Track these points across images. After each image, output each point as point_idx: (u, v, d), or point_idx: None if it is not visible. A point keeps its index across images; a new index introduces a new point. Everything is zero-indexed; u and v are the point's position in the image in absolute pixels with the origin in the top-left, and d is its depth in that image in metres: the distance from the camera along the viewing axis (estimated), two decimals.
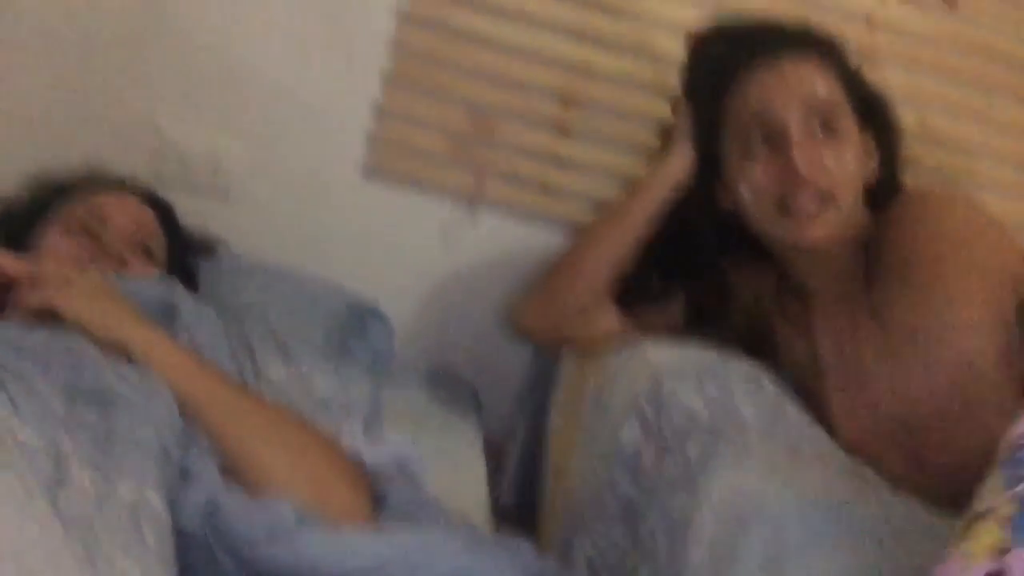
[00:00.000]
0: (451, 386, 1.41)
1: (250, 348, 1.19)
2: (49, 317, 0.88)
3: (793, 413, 1.01)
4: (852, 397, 1.08)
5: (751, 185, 1.11)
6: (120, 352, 0.86)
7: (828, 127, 1.10)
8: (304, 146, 1.40)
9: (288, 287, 1.37)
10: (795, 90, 1.10)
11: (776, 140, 1.09)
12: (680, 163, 1.18)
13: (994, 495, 0.49)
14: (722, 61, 1.15)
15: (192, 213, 1.29)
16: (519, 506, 1.35)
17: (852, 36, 1.34)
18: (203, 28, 1.33)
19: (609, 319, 1.23)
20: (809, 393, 1.11)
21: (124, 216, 1.13)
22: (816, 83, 1.11)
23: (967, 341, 1.00)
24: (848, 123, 1.11)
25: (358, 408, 1.19)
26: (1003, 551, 0.47)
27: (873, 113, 1.16)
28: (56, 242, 1.09)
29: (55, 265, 0.99)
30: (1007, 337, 1.00)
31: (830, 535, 0.74)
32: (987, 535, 0.49)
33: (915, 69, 1.42)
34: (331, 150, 1.40)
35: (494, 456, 1.36)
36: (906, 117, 1.36)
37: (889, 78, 1.37)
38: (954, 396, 1.00)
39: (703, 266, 1.22)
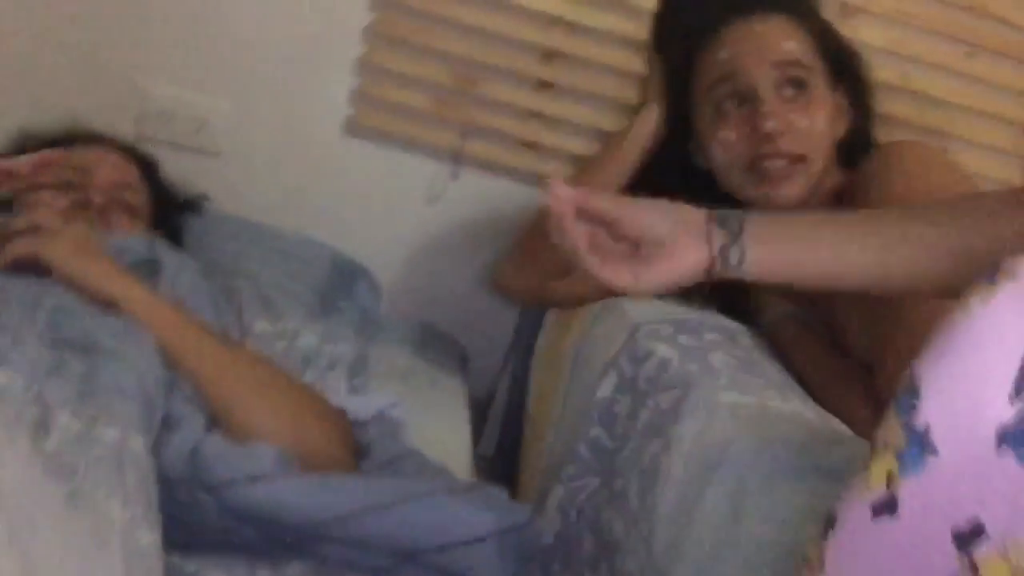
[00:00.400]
0: (438, 343, 1.42)
1: (235, 303, 1.20)
2: (35, 266, 0.90)
3: (766, 367, 1.03)
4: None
5: (722, 146, 1.11)
6: (105, 303, 0.88)
7: (799, 87, 1.09)
8: (288, 103, 1.40)
9: (275, 244, 1.38)
10: (765, 50, 1.09)
11: (746, 101, 1.09)
12: (651, 120, 1.17)
13: (889, 427, 0.53)
14: (692, 20, 1.15)
15: (177, 169, 1.30)
16: (500, 460, 1.37)
17: None
18: None
19: (587, 279, 1.24)
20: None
21: (107, 170, 1.14)
22: (786, 43, 1.10)
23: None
24: (819, 82, 1.11)
25: (342, 362, 1.21)
26: (895, 479, 0.51)
27: (845, 69, 1.15)
28: (40, 195, 1.10)
29: (41, 217, 1.01)
30: None
31: (791, 475, 0.76)
32: (882, 465, 0.52)
33: (898, 23, 1.42)
34: (315, 107, 1.40)
35: (479, 412, 1.38)
36: (888, 71, 1.37)
37: (871, 32, 1.37)
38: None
39: None
